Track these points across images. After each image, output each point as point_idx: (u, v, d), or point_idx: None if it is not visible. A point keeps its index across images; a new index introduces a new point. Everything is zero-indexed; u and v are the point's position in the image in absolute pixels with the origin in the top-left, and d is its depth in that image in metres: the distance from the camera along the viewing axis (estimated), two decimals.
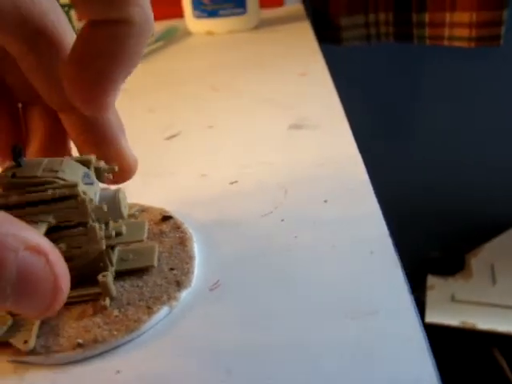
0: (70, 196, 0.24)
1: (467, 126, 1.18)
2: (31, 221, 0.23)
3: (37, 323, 0.24)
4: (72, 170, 0.25)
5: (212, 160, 0.41)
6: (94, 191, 0.25)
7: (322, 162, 0.38)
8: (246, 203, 0.34)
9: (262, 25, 0.86)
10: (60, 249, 0.22)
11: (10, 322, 0.24)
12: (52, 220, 0.23)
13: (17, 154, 0.24)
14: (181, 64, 0.72)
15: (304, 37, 0.76)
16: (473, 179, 1.25)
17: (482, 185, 1.25)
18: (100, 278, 0.25)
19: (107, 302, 0.25)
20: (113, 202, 0.25)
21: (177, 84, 0.63)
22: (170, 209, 0.33)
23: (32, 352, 0.23)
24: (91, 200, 0.24)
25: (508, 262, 1.20)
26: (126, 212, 0.26)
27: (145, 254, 0.28)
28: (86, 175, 0.25)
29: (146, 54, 0.78)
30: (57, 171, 0.24)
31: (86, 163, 0.26)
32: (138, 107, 0.56)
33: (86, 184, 0.25)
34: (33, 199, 0.23)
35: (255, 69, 0.64)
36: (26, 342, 0.23)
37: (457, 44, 0.91)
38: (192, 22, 0.85)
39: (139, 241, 0.28)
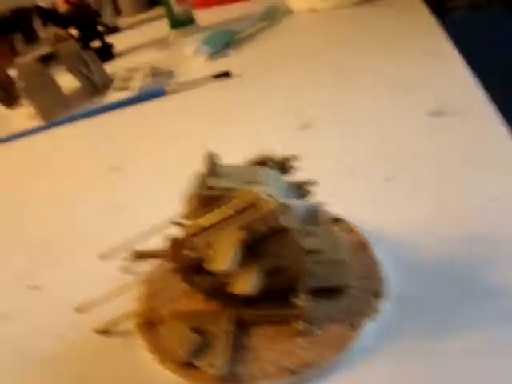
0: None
1: None
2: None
3: (228, 344, 0.23)
4: (273, 180, 0.23)
5: (359, 154, 0.38)
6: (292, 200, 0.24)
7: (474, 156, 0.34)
8: (405, 202, 0.31)
9: None
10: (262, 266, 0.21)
11: (197, 341, 0.23)
12: (244, 233, 0.22)
13: (212, 162, 0.23)
14: (289, 44, 0.69)
15: (414, 9, 0.71)
16: None
17: None
18: (296, 300, 0.23)
19: (303, 325, 0.23)
20: (312, 210, 0.23)
21: (291, 65, 0.60)
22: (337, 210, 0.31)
23: (223, 378, 0.22)
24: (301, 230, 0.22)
25: None
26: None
27: (335, 269, 0.25)
28: (284, 185, 0.24)
29: (250, 35, 0.76)
30: (257, 182, 0.22)
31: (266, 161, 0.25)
32: (255, 93, 0.54)
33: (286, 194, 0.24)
34: (230, 213, 0.22)
35: (371, 46, 0.60)
36: (216, 367, 0.22)
37: None
38: None
39: (341, 261, 0.25)
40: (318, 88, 0.52)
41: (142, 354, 0.24)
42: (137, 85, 0.62)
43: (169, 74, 0.66)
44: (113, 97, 0.62)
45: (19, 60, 0.62)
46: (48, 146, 0.55)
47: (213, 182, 0.23)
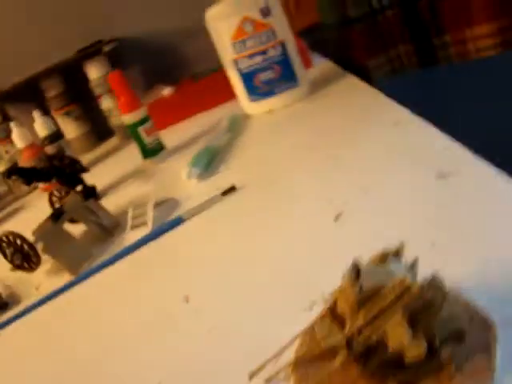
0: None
1: None
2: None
3: None
4: (398, 268, 0.29)
5: (397, 227, 0.45)
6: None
7: None
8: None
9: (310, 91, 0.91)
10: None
11: None
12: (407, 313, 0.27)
13: (357, 267, 0.29)
14: (267, 147, 0.77)
15: (358, 90, 0.82)
16: None
17: None
18: (441, 352, 0.29)
19: (452, 369, 0.29)
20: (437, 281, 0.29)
21: (283, 166, 0.67)
22: None
23: None
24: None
25: None
26: None
27: (451, 318, 0.31)
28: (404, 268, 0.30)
29: (224, 148, 0.83)
30: (390, 274, 0.28)
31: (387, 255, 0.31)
32: (267, 199, 0.61)
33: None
34: (390, 301, 0.27)
35: (346, 132, 0.69)
36: None
37: (485, 54, 0.97)
38: (249, 105, 0.91)
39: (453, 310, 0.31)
40: (324, 180, 0.59)
41: None
42: (150, 219, 0.67)
43: (173, 202, 0.71)
44: (131, 236, 0.66)
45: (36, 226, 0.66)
46: (94, 297, 0.58)
47: (365, 281, 0.29)
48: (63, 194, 0.74)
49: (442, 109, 1.18)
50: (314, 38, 1.16)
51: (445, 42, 1.00)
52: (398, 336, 0.27)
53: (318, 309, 0.34)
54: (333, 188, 0.56)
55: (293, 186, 0.61)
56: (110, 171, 0.99)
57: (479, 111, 1.14)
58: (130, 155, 1.02)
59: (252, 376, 0.35)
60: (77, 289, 0.61)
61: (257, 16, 0.83)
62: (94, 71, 1.09)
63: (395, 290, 0.28)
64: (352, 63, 1.06)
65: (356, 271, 0.30)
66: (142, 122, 0.87)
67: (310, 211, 0.54)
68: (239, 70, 0.88)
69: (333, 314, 0.31)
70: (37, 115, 1.02)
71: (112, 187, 0.90)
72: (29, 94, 1.17)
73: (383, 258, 0.31)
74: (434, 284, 0.29)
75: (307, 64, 1.04)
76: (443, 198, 0.46)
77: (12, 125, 1.03)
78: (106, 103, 1.12)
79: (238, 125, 0.90)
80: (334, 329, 0.30)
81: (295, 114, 0.86)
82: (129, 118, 0.87)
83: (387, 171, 0.55)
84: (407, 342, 0.27)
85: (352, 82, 0.88)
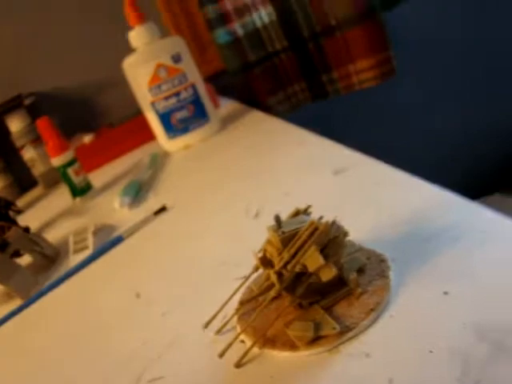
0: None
1: None
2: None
3: (328, 318, 0.38)
4: (307, 218, 0.40)
5: None
6: None
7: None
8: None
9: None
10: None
11: (312, 323, 0.38)
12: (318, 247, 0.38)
13: (279, 219, 0.39)
14: (188, 177, 0.87)
15: (264, 121, 0.94)
16: None
17: None
18: (350, 278, 0.39)
19: (359, 290, 0.39)
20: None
21: (205, 191, 0.77)
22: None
23: (343, 331, 0.37)
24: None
25: None
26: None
27: (356, 256, 0.43)
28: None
29: (149, 181, 0.92)
30: (303, 222, 0.39)
31: (298, 212, 0.42)
32: (197, 212, 0.70)
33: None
34: (305, 238, 0.38)
35: (259, 153, 0.80)
36: (334, 328, 0.37)
37: (366, 85, 1.13)
38: (167, 142, 1.01)
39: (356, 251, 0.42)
40: (244, 192, 0.69)
41: (278, 355, 0.38)
42: (91, 243, 0.74)
43: (110, 228, 0.79)
44: (74, 259, 0.73)
45: None
46: (46, 316, 0.64)
47: (285, 229, 0.39)
48: (5, 230, 0.79)
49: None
50: (219, 84, 1.29)
51: (332, 78, 1.16)
52: (315, 261, 0.38)
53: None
54: (251, 196, 0.67)
55: (216, 202, 0.71)
56: (41, 214, 1.04)
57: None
58: (58, 199, 1.08)
59: (206, 325, 0.44)
60: (30, 310, 0.67)
61: (169, 62, 0.94)
62: (15, 124, 1.15)
63: (308, 229, 0.38)
64: (255, 103, 1.20)
65: (278, 222, 0.40)
66: (71, 163, 0.94)
67: (233, 215, 0.64)
68: (157, 112, 0.98)
69: (263, 261, 0.41)
70: None
71: (46, 225, 0.95)
72: None
73: (296, 214, 0.42)
74: (336, 225, 0.40)
75: (215, 104, 1.16)
76: (341, 186, 0.58)
77: None
78: (28, 154, 1.18)
79: (158, 161, 0.99)
80: (266, 275, 0.41)
81: (210, 146, 0.96)
82: (58, 161, 0.94)
83: (296, 177, 0.67)
84: (322, 263, 0.37)
85: (257, 116, 1.01)
